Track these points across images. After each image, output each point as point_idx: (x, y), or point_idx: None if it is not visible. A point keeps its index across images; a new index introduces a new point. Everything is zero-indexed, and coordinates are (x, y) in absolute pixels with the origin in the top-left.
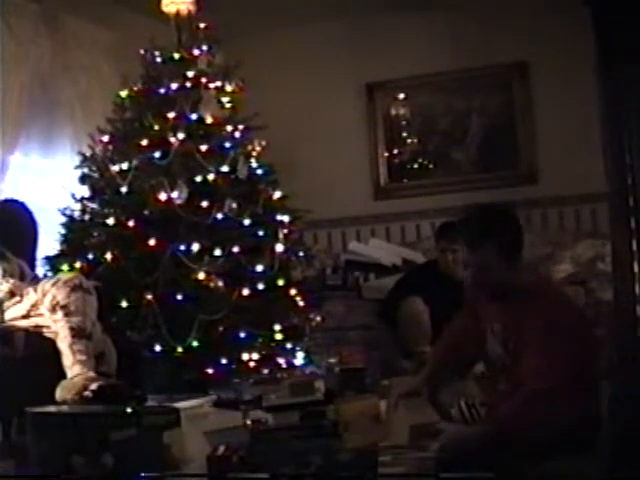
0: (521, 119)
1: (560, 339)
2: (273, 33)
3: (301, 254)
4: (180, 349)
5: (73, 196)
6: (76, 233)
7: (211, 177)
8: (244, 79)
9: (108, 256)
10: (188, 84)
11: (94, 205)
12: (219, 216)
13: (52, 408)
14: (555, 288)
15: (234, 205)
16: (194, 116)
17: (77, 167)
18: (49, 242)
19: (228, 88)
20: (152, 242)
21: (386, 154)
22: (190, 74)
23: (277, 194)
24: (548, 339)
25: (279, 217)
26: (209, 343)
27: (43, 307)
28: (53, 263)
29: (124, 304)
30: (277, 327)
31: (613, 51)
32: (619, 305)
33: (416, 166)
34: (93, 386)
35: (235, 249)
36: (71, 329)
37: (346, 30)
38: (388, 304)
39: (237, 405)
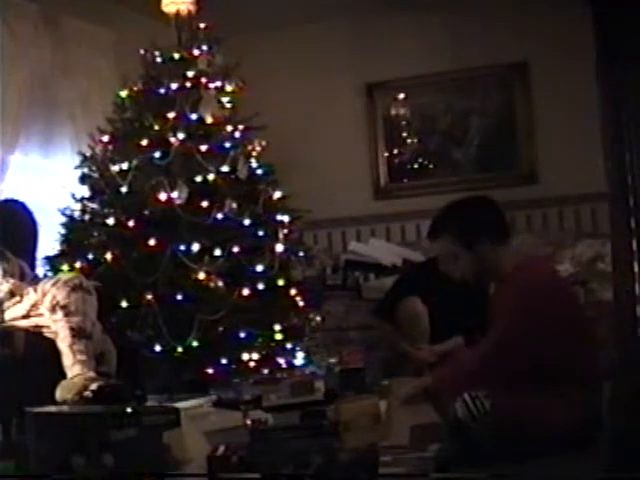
0: (521, 119)
1: (513, 322)
2: (273, 33)
3: (301, 254)
4: (180, 349)
5: (73, 196)
6: (76, 233)
7: (211, 177)
8: (244, 79)
9: (108, 256)
10: (188, 84)
11: (94, 205)
12: (219, 216)
13: (52, 408)
14: (527, 274)
15: (234, 205)
16: (194, 116)
17: (77, 167)
18: (49, 242)
19: (228, 88)
20: (152, 242)
21: (386, 154)
22: (190, 74)
23: (277, 194)
24: (499, 322)
25: (279, 217)
26: (209, 343)
27: (43, 307)
28: (53, 263)
29: (124, 304)
30: (277, 327)
31: (613, 51)
32: (619, 305)
33: (416, 166)
34: (93, 386)
35: (235, 249)
36: (71, 329)
37: (346, 30)
38: (386, 304)
39: (237, 405)
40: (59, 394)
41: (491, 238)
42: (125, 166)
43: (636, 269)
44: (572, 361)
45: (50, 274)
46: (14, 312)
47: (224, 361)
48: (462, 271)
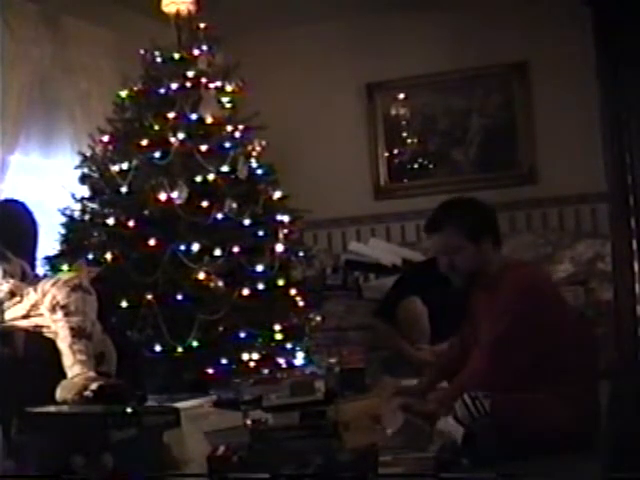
0: (521, 119)
1: (507, 324)
2: (273, 33)
3: (301, 254)
4: (180, 349)
5: (73, 196)
6: (76, 233)
7: (211, 177)
8: (244, 79)
9: (108, 256)
10: (188, 84)
11: (94, 205)
12: (219, 216)
13: (52, 408)
14: (522, 274)
15: (234, 205)
16: (194, 116)
17: (77, 167)
18: (49, 242)
19: (228, 88)
20: (152, 242)
21: (386, 154)
22: (190, 74)
23: (277, 194)
24: (497, 323)
25: (279, 217)
26: (209, 343)
27: (43, 307)
28: (53, 263)
29: (124, 304)
30: (277, 327)
31: (613, 51)
32: (619, 305)
33: (416, 166)
34: (93, 386)
35: (235, 249)
36: (71, 329)
37: (346, 30)
38: (387, 304)
39: (237, 405)
40: (59, 394)
41: (492, 237)
42: (125, 166)
43: (636, 269)
44: (571, 361)
45: (50, 274)
46: (14, 312)
47: (224, 361)
48: (460, 264)
